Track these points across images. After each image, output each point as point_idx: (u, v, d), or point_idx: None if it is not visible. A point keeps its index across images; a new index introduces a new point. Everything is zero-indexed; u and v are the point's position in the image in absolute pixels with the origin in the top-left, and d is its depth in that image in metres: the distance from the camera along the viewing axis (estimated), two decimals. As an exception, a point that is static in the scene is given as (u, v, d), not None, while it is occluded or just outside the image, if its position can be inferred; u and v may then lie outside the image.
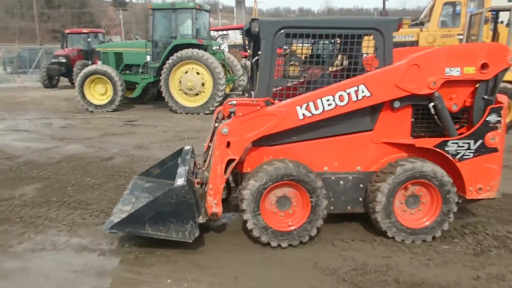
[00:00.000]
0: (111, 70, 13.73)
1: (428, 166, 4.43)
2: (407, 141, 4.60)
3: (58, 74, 21.42)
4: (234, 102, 4.47)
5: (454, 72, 4.37)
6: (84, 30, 23.12)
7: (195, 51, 13.02)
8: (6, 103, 16.25)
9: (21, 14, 72.03)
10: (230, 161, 4.43)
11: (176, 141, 9.57)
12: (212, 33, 17.75)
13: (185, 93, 13.41)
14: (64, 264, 4.27)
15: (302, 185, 4.38)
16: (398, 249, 4.47)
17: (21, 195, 6.18)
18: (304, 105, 4.36)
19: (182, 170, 4.72)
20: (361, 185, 4.68)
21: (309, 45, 4.93)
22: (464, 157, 4.50)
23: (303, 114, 4.37)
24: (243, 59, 17.08)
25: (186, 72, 13.24)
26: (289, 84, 4.89)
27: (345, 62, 5.00)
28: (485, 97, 4.48)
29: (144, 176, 5.60)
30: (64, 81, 22.34)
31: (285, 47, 4.70)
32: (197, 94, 13.42)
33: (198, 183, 4.75)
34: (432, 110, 4.50)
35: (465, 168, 4.52)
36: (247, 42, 5.59)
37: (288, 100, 4.42)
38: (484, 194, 4.60)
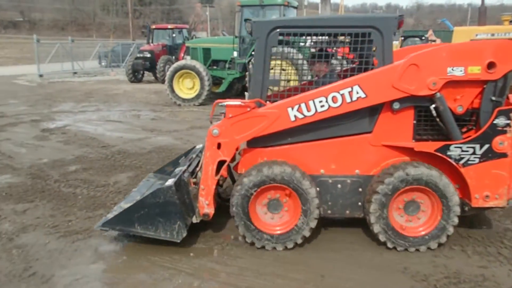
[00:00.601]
0: (199, 65, 14.10)
1: (428, 172, 4.16)
2: (406, 144, 4.33)
3: (142, 69, 22.02)
4: (225, 103, 4.40)
5: (457, 72, 4.07)
6: (169, 26, 23.58)
7: (285, 48, 12.98)
8: (101, 94, 17.25)
9: (115, 11, 76.36)
10: (222, 162, 4.42)
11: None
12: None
13: (270, 89, 13.46)
14: (155, 249, 4.46)
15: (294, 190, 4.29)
16: (495, 259, 4.20)
17: (115, 182, 6.54)
18: (296, 107, 4.23)
19: (178, 170, 4.79)
20: (360, 189, 4.47)
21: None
22: (469, 162, 4.20)
23: (295, 116, 4.25)
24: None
25: (272, 68, 13.27)
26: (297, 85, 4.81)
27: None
28: (493, 98, 4.14)
29: (159, 173, 5.67)
30: (149, 75, 23.21)
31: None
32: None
33: (194, 183, 4.74)
34: (434, 112, 4.23)
35: (470, 174, 4.22)
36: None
37: (280, 102, 4.32)
38: (492, 202, 4.26)
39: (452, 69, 4.07)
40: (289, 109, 4.24)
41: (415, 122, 4.33)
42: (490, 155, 4.17)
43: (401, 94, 4.15)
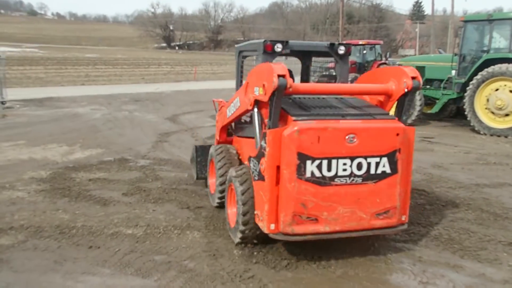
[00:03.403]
0: None
1: (232, 172, 4.91)
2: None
3: None
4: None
5: (256, 92, 4.33)
6: (360, 42, 22.02)
7: (511, 66, 11.67)
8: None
9: (324, 30, 78.87)
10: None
11: (480, 165, 8.68)
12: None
13: (492, 113, 12.06)
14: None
15: None
16: None
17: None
18: (228, 107, 5.50)
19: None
20: None
21: None
22: (255, 177, 4.48)
23: (227, 114, 5.59)
24: None
25: (497, 90, 11.90)
26: None
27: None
28: (266, 120, 4.27)
29: None
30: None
31: None
32: (507, 115, 11.87)
33: None
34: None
35: (255, 189, 4.49)
36: None
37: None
38: (260, 223, 4.36)
39: (256, 89, 4.32)
40: (227, 108, 5.53)
41: None
42: (259, 174, 4.32)
43: (248, 106, 4.61)
